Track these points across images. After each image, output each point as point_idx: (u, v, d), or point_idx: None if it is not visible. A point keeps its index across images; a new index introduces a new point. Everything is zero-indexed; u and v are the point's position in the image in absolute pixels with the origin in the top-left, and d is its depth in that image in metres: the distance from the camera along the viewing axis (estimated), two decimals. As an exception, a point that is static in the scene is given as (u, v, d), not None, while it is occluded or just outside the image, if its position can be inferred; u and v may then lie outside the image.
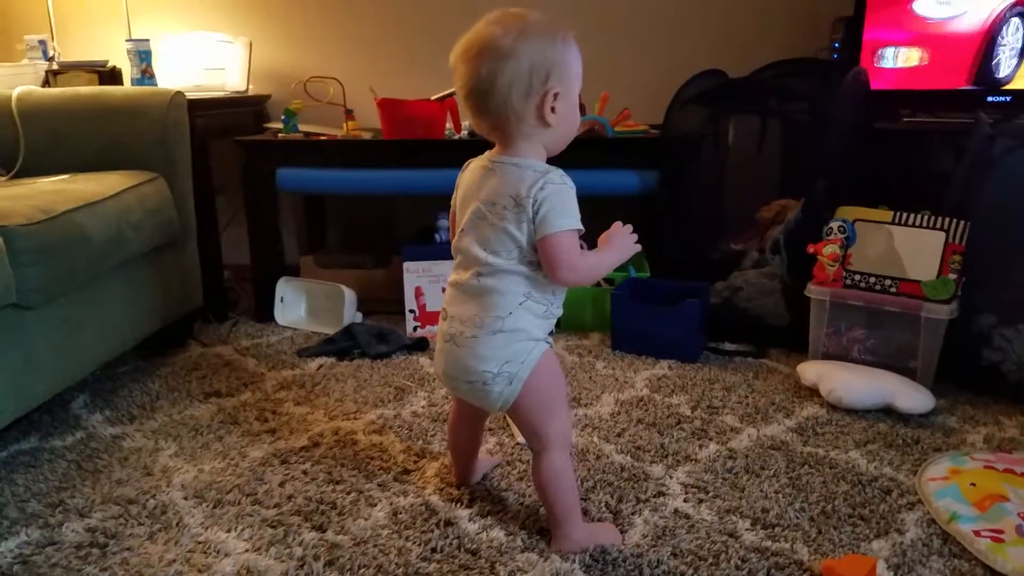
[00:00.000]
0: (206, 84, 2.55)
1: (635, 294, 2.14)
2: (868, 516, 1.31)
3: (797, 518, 1.31)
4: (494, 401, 1.21)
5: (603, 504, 1.36)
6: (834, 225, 1.94)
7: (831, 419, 1.69)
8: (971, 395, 1.80)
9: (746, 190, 2.33)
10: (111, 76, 2.38)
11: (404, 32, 2.67)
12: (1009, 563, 1.15)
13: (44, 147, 2.02)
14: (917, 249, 1.85)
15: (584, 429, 1.65)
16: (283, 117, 2.37)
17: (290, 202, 2.78)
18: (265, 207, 2.36)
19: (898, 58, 2.15)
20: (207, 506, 1.38)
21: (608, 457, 1.53)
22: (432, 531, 1.29)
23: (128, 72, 2.42)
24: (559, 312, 1.25)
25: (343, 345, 2.13)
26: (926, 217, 1.86)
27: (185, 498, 1.41)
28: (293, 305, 2.40)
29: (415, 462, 1.52)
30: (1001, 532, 1.22)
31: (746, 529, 1.28)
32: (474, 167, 1.25)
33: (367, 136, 2.39)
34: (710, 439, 1.60)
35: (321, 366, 2.03)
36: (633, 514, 1.33)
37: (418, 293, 2.22)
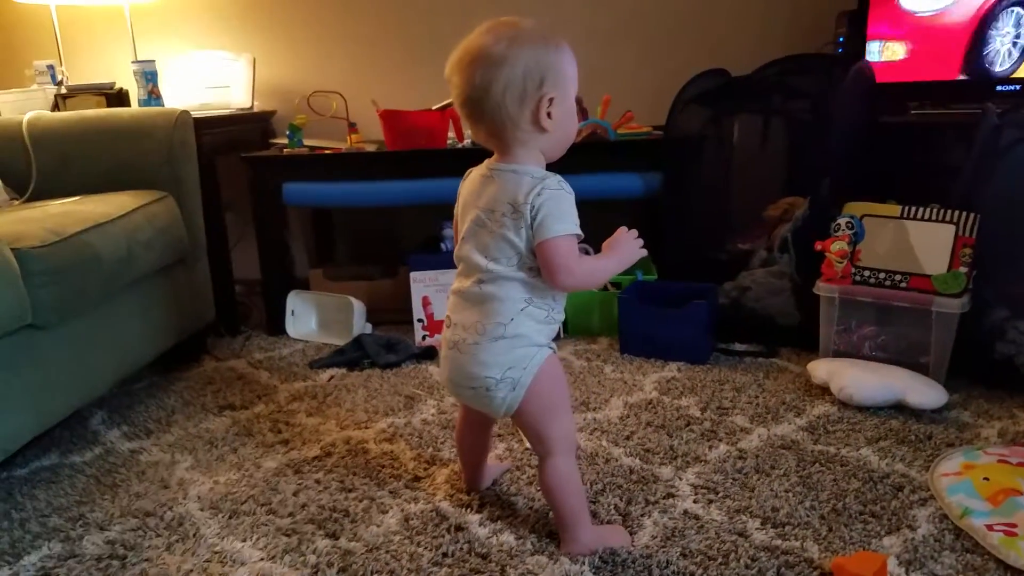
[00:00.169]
0: (212, 102, 2.59)
1: (642, 297, 2.14)
2: (879, 513, 1.31)
3: (807, 516, 1.31)
4: (498, 407, 1.21)
5: (612, 507, 1.36)
6: (842, 221, 1.93)
7: (842, 417, 1.68)
8: (984, 389, 1.78)
9: (752, 189, 2.32)
10: (118, 98, 2.41)
11: (404, 44, 2.69)
12: (1022, 557, 1.14)
13: (54, 170, 2.05)
14: (927, 243, 1.84)
15: (593, 433, 1.65)
16: (288, 132, 2.40)
17: (298, 216, 2.81)
18: (273, 222, 2.38)
19: (883, 52, 2.14)
20: (223, 516, 1.40)
21: (617, 460, 1.53)
22: (443, 536, 1.30)
23: (135, 93, 2.45)
24: (560, 317, 1.26)
25: (353, 356, 2.15)
26: (935, 210, 1.85)
27: (201, 509, 1.43)
28: (304, 318, 2.42)
29: (425, 469, 1.54)
30: (1014, 526, 1.21)
31: (756, 528, 1.28)
32: (474, 176, 1.26)
33: (371, 148, 2.40)
34: (720, 440, 1.60)
35: (332, 377, 2.05)
36: (642, 516, 1.33)
37: (425, 302, 2.24)
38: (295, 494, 1.46)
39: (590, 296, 2.27)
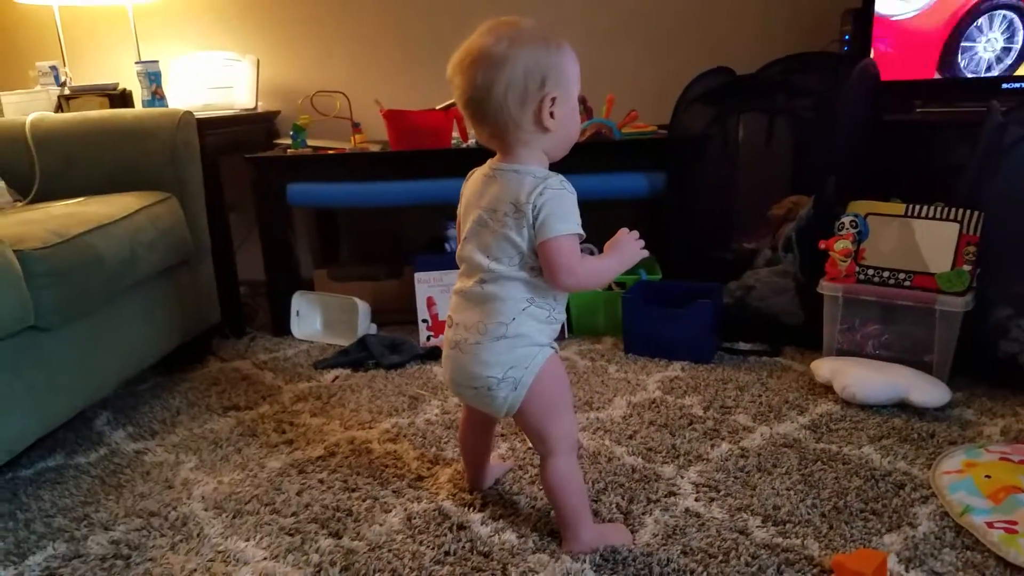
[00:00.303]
0: (216, 103, 2.60)
1: (647, 297, 2.14)
2: (880, 511, 1.31)
3: (808, 514, 1.31)
4: (499, 407, 1.22)
5: (614, 505, 1.36)
6: (846, 220, 1.93)
7: (845, 415, 1.68)
8: (988, 388, 1.78)
9: (757, 188, 2.32)
10: (122, 99, 2.42)
11: (407, 43, 2.70)
12: (1022, 555, 1.14)
13: (58, 171, 2.06)
14: (931, 241, 1.83)
15: (596, 432, 1.66)
16: (291, 132, 2.40)
17: (303, 217, 2.81)
18: (277, 223, 2.39)
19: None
20: (227, 516, 1.40)
21: (619, 459, 1.53)
22: (445, 535, 1.30)
23: (139, 94, 2.46)
24: (562, 317, 1.26)
25: (357, 356, 2.15)
26: (939, 209, 1.84)
27: (205, 509, 1.43)
28: (308, 318, 2.43)
29: (429, 469, 1.54)
30: (1015, 523, 1.21)
31: (757, 526, 1.28)
32: (476, 176, 1.26)
33: (375, 148, 2.41)
34: (722, 439, 1.60)
35: (336, 377, 2.06)
36: (644, 514, 1.33)
37: (430, 303, 2.24)
38: (299, 494, 1.46)
39: (595, 296, 2.27)
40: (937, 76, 2.10)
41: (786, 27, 2.50)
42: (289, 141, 2.43)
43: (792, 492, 1.38)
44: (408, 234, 2.78)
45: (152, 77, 2.44)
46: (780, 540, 1.24)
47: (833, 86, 2.10)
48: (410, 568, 1.22)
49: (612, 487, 1.43)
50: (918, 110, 2.10)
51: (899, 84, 2.15)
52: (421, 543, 1.28)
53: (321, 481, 1.51)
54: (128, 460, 1.66)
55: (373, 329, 2.36)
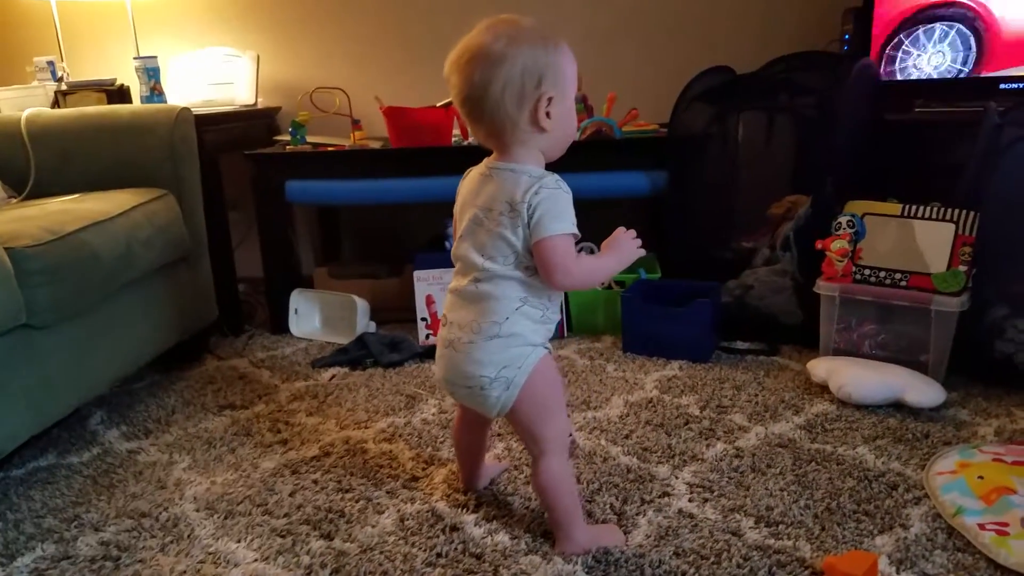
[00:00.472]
0: (215, 99, 2.59)
1: (646, 296, 2.14)
2: (873, 512, 1.31)
3: (801, 515, 1.30)
4: (492, 406, 1.22)
5: (607, 506, 1.36)
6: (843, 220, 1.92)
7: (841, 415, 1.68)
8: (983, 388, 1.77)
9: (756, 187, 2.31)
10: (120, 94, 2.41)
11: (407, 40, 2.70)
12: (1012, 556, 1.14)
13: (54, 168, 2.06)
14: (927, 242, 1.83)
15: (592, 432, 1.65)
16: (290, 129, 2.40)
17: (304, 214, 2.81)
18: (276, 220, 2.39)
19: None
20: (218, 517, 1.40)
21: (615, 459, 1.53)
22: (438, 536, 1.30)
23: (137, 90, 2.45)
24: (556, 317, 1.26)
25: (356, 355, 2.15)
26: (936, 209, 1.84)
27: (197, 510, 1.43)
28: (307, 316, 2.43)
29: (424, 469, 1.54)
30: (1006, 525, 1.20)
31: (749, 527, 1.28)
32: (473, 175, 1.26)
33: (375, 145, 2.40)
34: (718, 438, 1.60)
35: (334, 376, 2.05)
36: (637, 515, 1.33)
37: (429, 301, 2.24)
38: (291, 494, 1.46)
39: (594, 295, 2.26)
40: (933, 76, 2.09)
41: (787, 26, 2.50)
42: (288, 138, 2.42)
43: (785, 493, 1.38)
44: (410, 232, 2.77)
45: (151, 73, 2.43)
46: (772, 541, 1.24)
47: (833, 85, 2.09)
48: (401, 570, 1.22)
49: (606, 487, 1.42)
50: (917, 110, 2.08)
51: (898, 83, 2.14)
52: (413, 545, 1.28)
53: (315, 482, 1.51)
54: (121, 460, 1.65)
55: (372, 327, 2.36)
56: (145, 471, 1.60)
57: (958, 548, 1.20)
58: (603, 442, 1.60)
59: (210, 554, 1.29)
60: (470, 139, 2.37)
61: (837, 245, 1.90)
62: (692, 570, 1.18)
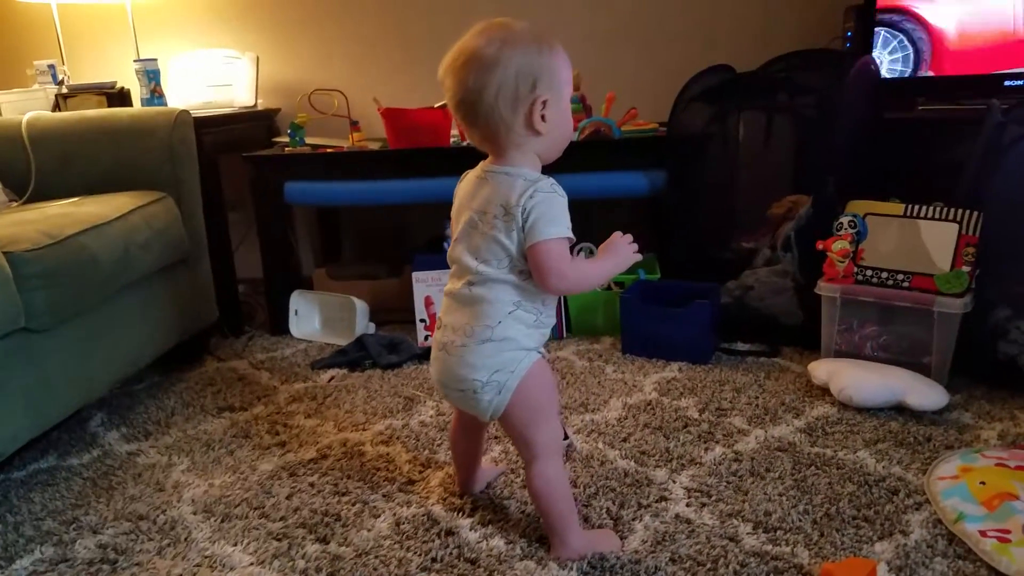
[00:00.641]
0: (215, 101, 2.59)
1: (645, 297, 2.13)
2: (872, 518, 1.29)
3: (800, 521, 1.29)
4: (484, 410, 1.21)
5: (604, 510, 1.35)
6: (844, 220, 1.91)
7: (841, 418, 1.66)
8: (987, 390, 1.76)
9: (757, 187, 2.30)
10: (120, 97, 2.41)
11: (405, 41, 2.69)
12: (1014, 564, 1.13)
13: (54, 171, 2.06)
14: (930, 242, 1.81)
15: (590, 435, 1.64)
16: (289, 131, 2.40)
17: (305, 215, 2.81)
18: (275, 221, 2.38)
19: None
20: (215, 520, 1.40)
21: (612, 462, 1.52)
22: (433, 541, 1.29)
23: (137, 92, 2.45)
24: (551, 322, 1.25)
25: (354, 356, 2.15)
26: (938, 209, 1.82)
27: (194, 513, 1.43)
28: (307, 318, 2.42)
29: (420, 472, 1.53)
30: (1008, 532, 1.19)
31: (747, 533, 1.27)
32: (469, 178, 1.26)
33: (374, 147, 2.40)
34: (716, 442, 1.59)
35: (332, 378, 2.05)
36: (634, 520, 1.32)
37: (428, 303, 2.23)
38: (288, 497, 1.46)
39: (594, 296, 2.25)
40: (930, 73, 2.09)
41: (788, 24, 2.48)
42: (287, 139, 2.42)
43: (784, 498, 1.36)
44: (411, 233, 2.77)
45: (151, 75, 2.43)
46: (770, 548, 1.23)
47: (834, 84, 2.08)
48: (395, 575, 1.21)
49: (603, 492, 1.42)
50: (920, 108, 2.07)
51: (899, 81, 2.12)
52: (408, 549, 1.27)
53: (312, 484, 1.50)
54: (120, 462, 1.66)
55: (371, 328, 2.35)
56: (144, 473, 1.60)
57: (959, 555, 1.19)
58: (600, 445, 1.60)
59: (206, 557, 1.29)
60: (468, 140, 2.36)
61: (838, 246, 1.89)
62: (688, 576, 1.17)
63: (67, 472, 1.62)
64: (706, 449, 1.56)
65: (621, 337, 2.13)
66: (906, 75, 2.09)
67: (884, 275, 1.84)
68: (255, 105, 2.63)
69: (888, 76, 2.13)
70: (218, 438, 1.73)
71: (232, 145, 2.43)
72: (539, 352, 1.23)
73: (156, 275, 1.96)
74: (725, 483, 1.43)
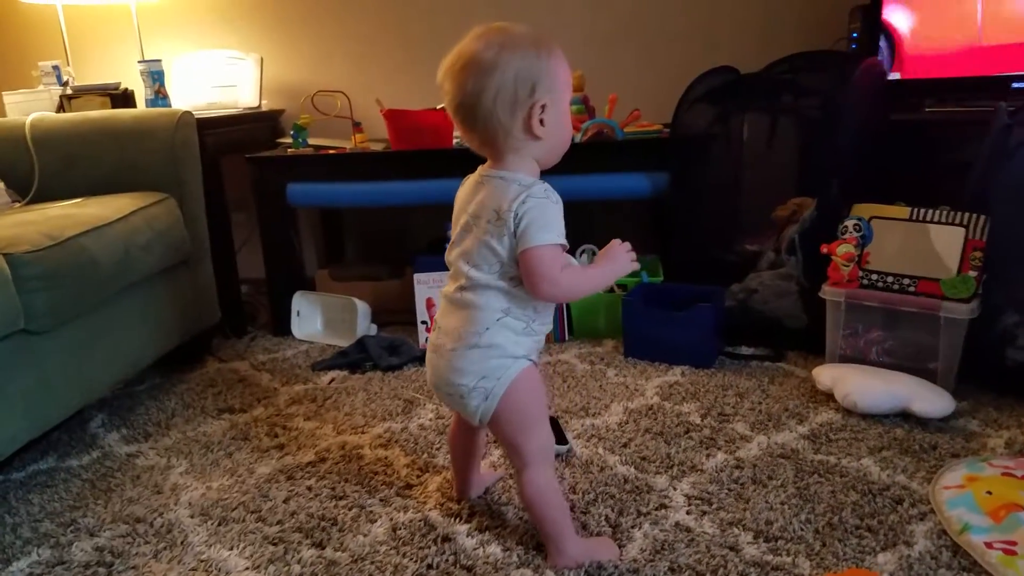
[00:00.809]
0: (220, 101, 2.59)
1: (647, 300, 2.11)
2: (876, 527, 1.27)
3: (801, 530, 1.27)
4: (472, 414, 1.21)
5: (603, 518, 1.34)
6: (849, 224, 1.89)
7: (846, 425, 1.64)
8: (994, 397, 1.73)
9: (761, 189, 2.27)
10: (124, 98, 2.41)
11: (407, 42, 2.68)
12: (1019, 576, 1.11)
13: (57, 172, 2.06)
14: (936, 246, 1.79)
15: (590, 440, 1.63)
16: (292, 132, 2.39)
17: (308, 216, 2.80)
18: (277, 222, 2.38)
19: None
20: (212, 524, 1.39)
21: (612, 468, 1.51)
22: (429, 547, 1.28)
23: (142, 93, 2.45)
24: (544, 329, 1.24)
25: (355, 358, 2.14)
26: (945, 213, 1.80)
27: (191, 516, 1.43)
28: (309, 319, 2.42)
29: (418, 476, 1.52)
30: (1014, 544, 1.17)
31: (748, 542, 1.25)
32: (469, 181, 1.25)
33: (377, 148, 2.39)
34: (718, 448, 1.57)
35: (333, 380, 2.04)
36: (633, 528, 1.31)
37: (429, 304, 2.22)
38: (285, 501, 1.45)
39: (596, 298, 2.24)
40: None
41: (792, 25, 2.46)
42: (290, 141, 2.41)
43: (786, 506, 1.35)
44: (413, 234, 2.76)
45: (155, 76, 2.43)
46: (771, 557, 1.21)
47: (838, 85, 2.06)
48: (391, 581, 1.21)
49: (602, 498, 1.40)
50: (926, 109, 2.05)
51: (905, 83, 2.10)
52: (404, 555, 1.26)
53: (309, 488, 1.49)
54: (120, 463, 1.65)
55: (373, 330, 2.35)
56: (143, 475, 1.59)
57: (963, 567, 1.17)
58: (600, 450, 1.58)
59: (202, 561, 1.28)
60: (467, 144, 2.35)
61: (843, 249, 1.86)
62: (687, 586, 1.16)
63: (66, 473, 1.62)
64: (708, 455, 1.54)
65: (623, 340, 2.11)
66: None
67: (889, 279, 1.82)
68: (259, 106, 2.62)
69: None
70: (217, 440, 1.73)
71: (236, 146, 2.43)
72: (529, 360, 1.22)
73: (157, 276, 1.96)
74: (726, 491, 1.41)
